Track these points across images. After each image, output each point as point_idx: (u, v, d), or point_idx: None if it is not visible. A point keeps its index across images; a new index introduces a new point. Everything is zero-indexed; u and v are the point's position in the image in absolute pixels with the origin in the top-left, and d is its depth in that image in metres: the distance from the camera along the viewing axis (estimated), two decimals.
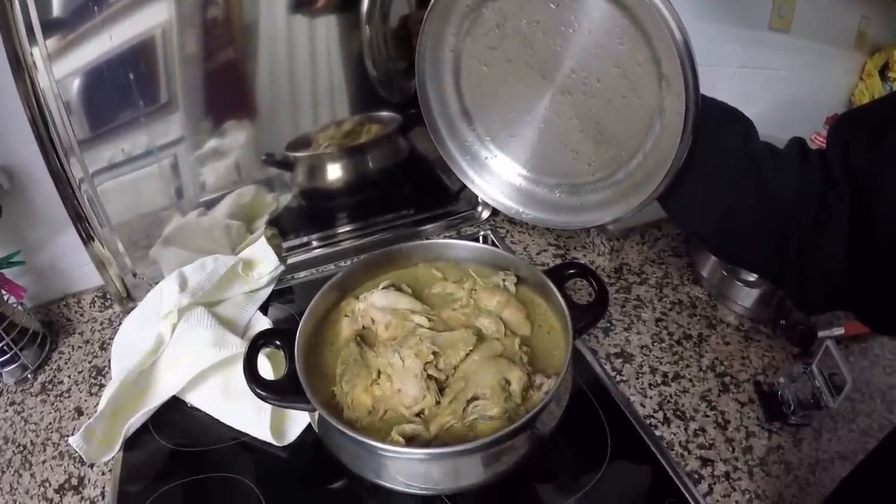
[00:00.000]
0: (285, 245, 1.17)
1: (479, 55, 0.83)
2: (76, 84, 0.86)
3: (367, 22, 1.00)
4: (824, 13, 1.26)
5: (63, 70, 0.84)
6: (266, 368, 0.84)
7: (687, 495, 0.76)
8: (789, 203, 0.64)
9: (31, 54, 0.81)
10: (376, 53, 1.04)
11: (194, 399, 0.90)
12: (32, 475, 0.85)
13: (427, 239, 1.20)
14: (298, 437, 0.85)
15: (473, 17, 0.80)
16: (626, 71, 0.72)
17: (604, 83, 0.76)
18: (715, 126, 0.68)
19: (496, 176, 0.97)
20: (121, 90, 0.89)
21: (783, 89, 1.27)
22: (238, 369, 0.80)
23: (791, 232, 0.64)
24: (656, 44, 0.66)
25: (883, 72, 1.48)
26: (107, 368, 1.01)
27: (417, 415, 0.73)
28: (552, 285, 0.83)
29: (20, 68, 0.82)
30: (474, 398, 0.72)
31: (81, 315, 1.14)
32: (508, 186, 0.97)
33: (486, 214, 1.30)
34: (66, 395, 0.98)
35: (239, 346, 0.88)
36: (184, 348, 0.89)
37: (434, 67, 0.89)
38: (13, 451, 0.89)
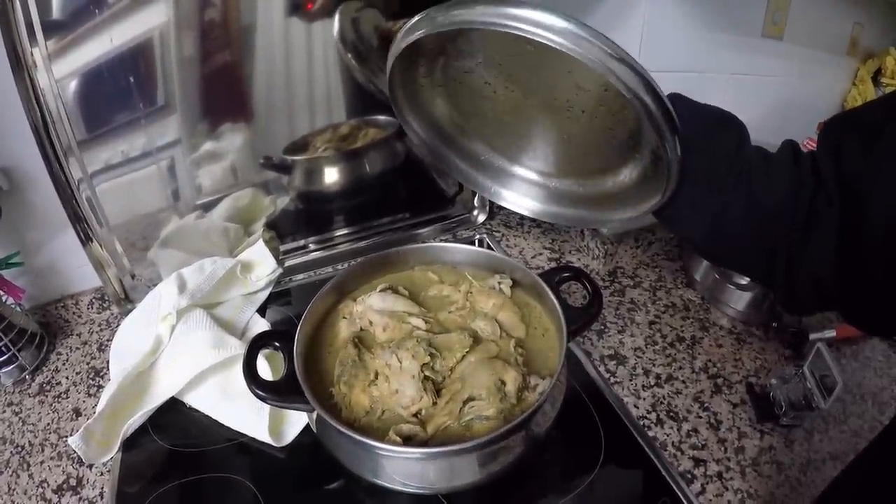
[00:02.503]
0: (283, 248, 1.17)
1: (454, 76, 0.79)
2: (76, 84, 0.87)
3: (342, 42, 1.00)
4: (818, 20, 1.27)
5: (63, 70, 0.85)
6: (265, 370, 0.84)
7: (680, 495, 0.77)
8: (779, 208, 0.64)
9: (32, 54, 0.82)
10: (365, 69, 1.04)
11: (193, 400, 0.90)
12: (31, 476, 0.86)
13: (423, 242, 1.21)
14: (296, 437, 0.85)
15: (443, 53, 0.75)
16: (609, 107, 0.70)
17: (588, 114, 0.74)
18: (707, 133, 0.68)
19: (495, 171, 0.95)
20: (120, 91, 0.89)
21: (777, 95, 1.28)
22: (236, 370, 0.81)
23: (781, 236, 0.65)
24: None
25: (876, 78, 1.50)
26: (105, 370, 1.02)
27: (414, 415, 0.73)
28: (547, 288, 0.84)
29: (20, 68, 0.82)
30: (470, 399, 0.72)
31: (79, 316, 1.14)
32: (509, 178, 0.94)
33: (481, 218, 1.31)
34: (64, 395, 0.98)
35: (238, 348, 0.88)
36: (182, 350, 0.90)
37: (410, 97, 0.84)
38: (11, 452, 0.90)
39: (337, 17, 0.97)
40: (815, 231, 0.62)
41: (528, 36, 0.55)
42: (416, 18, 0.65)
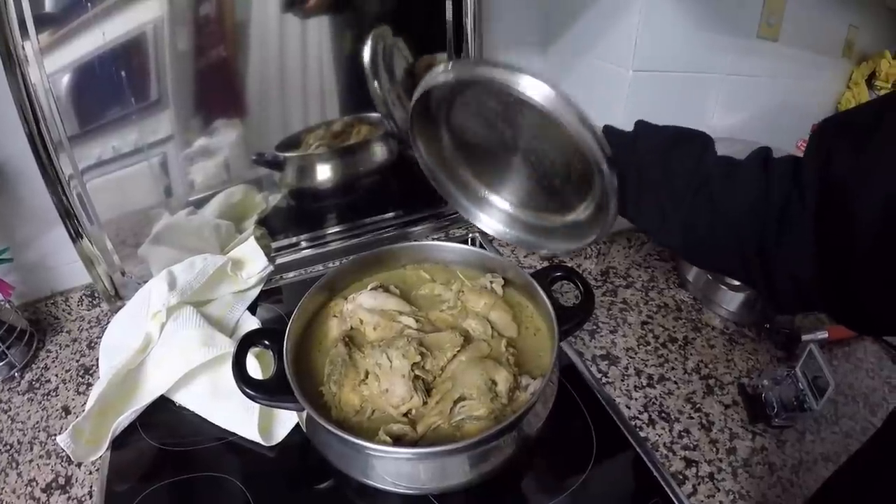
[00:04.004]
0: (274, 245, 1.17)
1: (459, 117, 0.84)
2: (67, 79, 0.86)
3: (374, 77, 1.04)
4: (812, 22, 1.27)
5: (55, 65, 0.84)
6: (254, 368, 0.84)
7: (671, 495, 0.76)
8: (745, 216, 0.64)
9: (23, 48, 0.81)
10: (391, 105, 1.08)
11: (182, 398, 0.90)
12: (19, 474, 0.85)
13: (415, 241, 1.20)
14: (286, 436, 0.85)
15: (454, 97, 0.80)
16: (567, 157, 0.75)
17: (553, 161, 0.78)
18: (666, 151, 0.70)
19: (475, 196, 0.95)
20: (112, 86, 0.89)
21: (771, 97, 1.28)
22: (226, 369, 0.81)
23: (751, 242, 0.64)
24: None
25: (870, 80, 1.50)
26: (94, 367, 1.01)
27: (405, 415, 0.73)
28: (539, 287, 0.84)
29: (11, 62, 0.82)
30: (461, 398, 0.72)
31: (69, 313, 1.14)
32: (485, 204, 0.95)
33: None
34: (54, 393, 0.98)
35: (227, 346, 0.88)
36: (172, 348, 0.89)
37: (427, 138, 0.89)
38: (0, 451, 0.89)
39: (369, 43, 1.01)
40: (789, 235, 0.61)
41: (519, 96, 0.64)
42: (445, 66, 0.71)
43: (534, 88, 0.64)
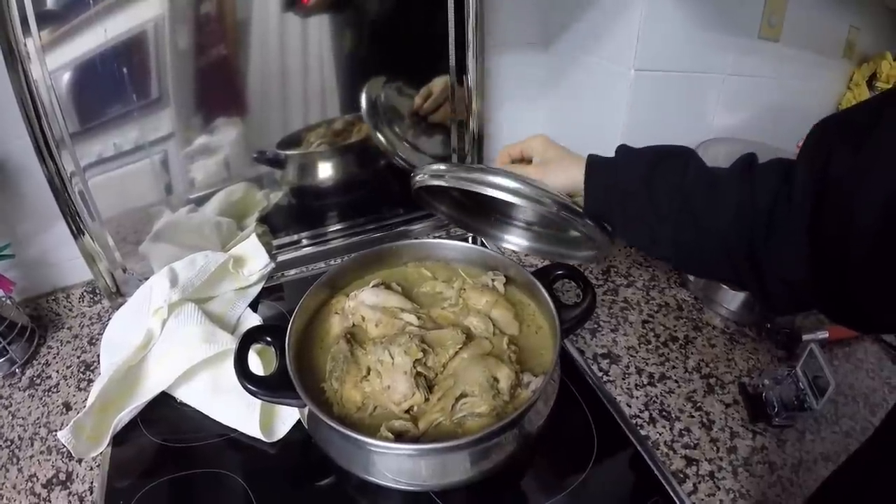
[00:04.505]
0: (275, 243, 1.17)
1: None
2: (69, 76, 0.86)
3: (377, 130, 1.10)
4: (814, 23, 1.27)
5: (56, 62, 0.84)
6: (256, 365, 0.84)
7: (672, 494, 0.77)
8: (730, 225, 0.64)
9: (25, 45, 0.81)
10: (402, 152, 1.14)
11: (184, 395, 0.90)
12: (20, 470, 0.85)
13: (417, 238, 1.20)
14: (287, 433, 0.85)
15: None
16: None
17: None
18: (648, 171, 0.71)
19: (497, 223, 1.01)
20: (113, 84, 0.89)
21: (772, 97, 1.28)
22: (228, 365, 0.81)
23: (738, 251, 0.64)
24: None
25: (871, 81, 1.50)
26: (95, 364, 1.01)
27: (407, 412, 0.73)
28: (540, 285, 0.84)
29: (13, 59, 0.82)
30: (463, 395, 0.72)
31: (70, 310, 1.14)
32: (516, 232, 1.00)
33: None
34: (55, 389, 0.98)
35: (229, 343, 0.88)
36: (173, 344, 0.89)
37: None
38: (0, 446, 0.89)
39: (363, 98, 1.06)
40: (778, 238, 0.61)
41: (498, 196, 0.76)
42: (431, 170, 0.84)
43: (499, 189, 0.75)
